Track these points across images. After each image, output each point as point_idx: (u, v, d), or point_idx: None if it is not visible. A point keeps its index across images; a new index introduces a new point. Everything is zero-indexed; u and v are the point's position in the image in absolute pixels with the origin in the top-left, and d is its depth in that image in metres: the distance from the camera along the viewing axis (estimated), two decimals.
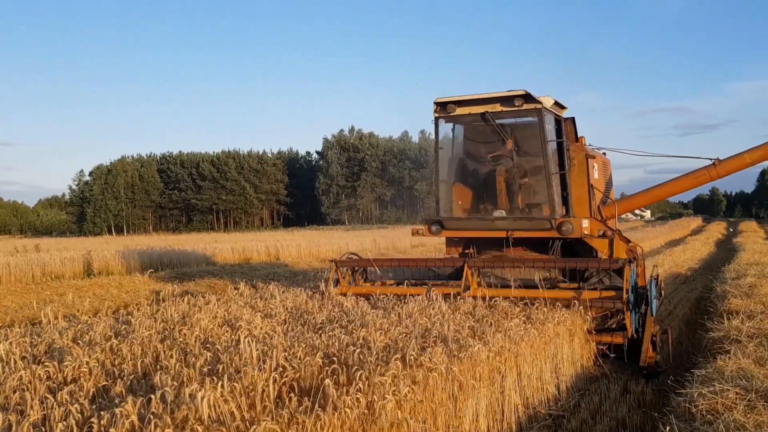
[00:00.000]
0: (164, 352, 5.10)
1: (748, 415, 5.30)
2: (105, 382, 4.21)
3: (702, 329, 11.38)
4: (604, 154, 11.79)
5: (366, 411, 3.73)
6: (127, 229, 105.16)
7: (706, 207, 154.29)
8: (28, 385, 4.07)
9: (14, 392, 3.86)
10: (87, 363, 4.48)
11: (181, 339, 5.53)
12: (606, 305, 8.24)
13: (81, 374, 4.35)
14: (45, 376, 4.26)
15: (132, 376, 4.23)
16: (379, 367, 4.21)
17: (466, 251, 10.70)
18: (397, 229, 60.47)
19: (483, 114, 9.58)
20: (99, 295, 15.89)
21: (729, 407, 5.49)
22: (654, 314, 8.81)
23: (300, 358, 4.53)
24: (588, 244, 9.76)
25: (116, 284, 18.53)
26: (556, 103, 9.83)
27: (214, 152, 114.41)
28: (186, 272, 21.47)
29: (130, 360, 4.77)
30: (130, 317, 6.66)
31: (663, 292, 10.11)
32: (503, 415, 5.34)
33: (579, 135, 10.73)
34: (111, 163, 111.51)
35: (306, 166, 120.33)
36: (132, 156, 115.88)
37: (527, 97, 9.28)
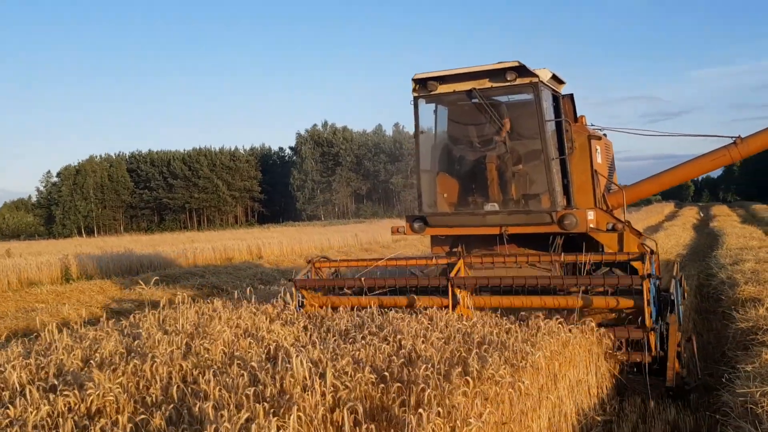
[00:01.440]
0: (191, 371, 4.60)
1: None
2: (138, 413, 3.69)
3: (713, 317, 11.19)
4: (605, 135, 10.56)
5: None
6: (98, 230, 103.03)
7: (674, 193, 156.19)
8: (51, 420, 3.54)
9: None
10: (110, 389, 3.96)
11: (205, 354, 5.02)
12: (620, 333, 6.71)
13: (106, 403, 3.84)
14: (66, 408, 3.74)
15: (166, 405, 3.72)
16: (447, 385, 3.75)
17: (454, 250, 9.31)
18: (375, 223, 59.98)
19: (469, 91, 8.31)
20: (84, 301, 15.19)
21: None
22: (681, 323, 7.31)
23: (350, 375, 4.06)
24: (593, 239, 8.53)
25: (98, 289, 17.81)
26: (554, 77, 8.70)
27: (185, 150, 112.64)
28: (170, 275, 20.74)
29: (158, 383, 4.25)
30: (138, 330, 6.11)
31: (686, 295, 8.65)
32: (560, 424, 4.94)
33: (578, 114, 9.57)
34: (79, 163, 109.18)
35: (279, 162, 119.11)
36: (100, 156, 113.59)
37: (521, 70, 8.01)
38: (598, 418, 5.64)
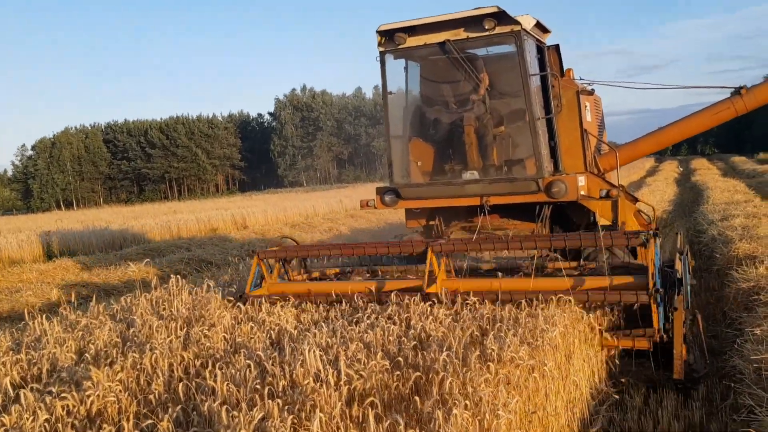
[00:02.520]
0: (194, 362, 4.38)
1: None
2: (142, 415, 3.48)
3: (709, 275, 11.16)
4: (593, 90, 9.73)
5: None
6: (77, 203, 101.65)
7: None
8: (50, 426, 3.32)
9: None
10: (110, 388, 3.73)
11: (206, 343, 4.80)
12: (626, 298, 5.55)
13: (107, 404, 3.61)
14: (65, 412, 3.51)
15: (173, 405, 3.50)
16: (467, 372, 3.57)
17: (431, 223, 8.59)
18: (358, 187, 59.67)
19: (443, 44, 7.41)
20: (69, 280, 14.85)
21: None
22: (689, 305, 6.11)
23: (363, 363, 3.86)
24: (585, 207, 7.80)
25: (82, 266, 17.41)
26: (538, 25, 7.74)
27: (161, 119, 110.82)
28: (155, 248, 20.40)
29: (160, 377, 4.03)
30: (131, 317, 5.86)
31: (692, 269, 7.43)
32: (576, 402, 4.81)
33: (565, 67, 8.73)
34: (54, 135, 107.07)
35: (259, 128, 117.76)
36: (75, 127, 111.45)
37: (501, 17, 7.11)
38: (613, 393, 5.52)
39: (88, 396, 3.59)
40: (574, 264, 6.81)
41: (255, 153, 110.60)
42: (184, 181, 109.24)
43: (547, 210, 7.77)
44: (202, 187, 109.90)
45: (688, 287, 6.49)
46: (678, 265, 5.94)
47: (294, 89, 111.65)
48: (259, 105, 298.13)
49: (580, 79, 8.93)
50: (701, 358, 6.28)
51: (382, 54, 7.75)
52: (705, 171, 48.53)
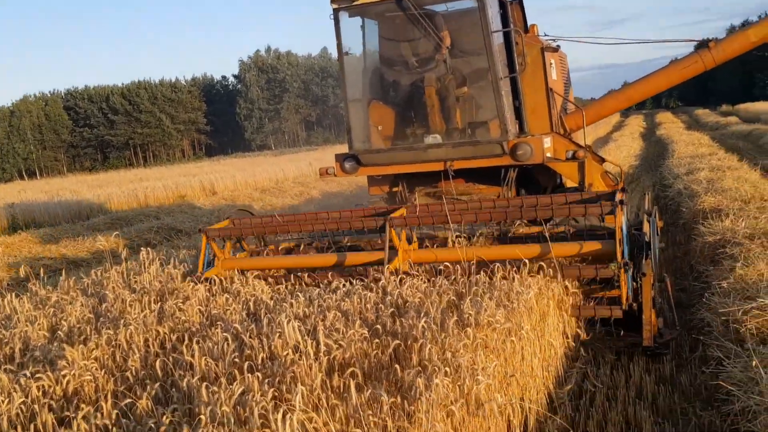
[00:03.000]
0: (170, 337, 4.34)
1: None
2: (120, 393, 3.44)
3: (675, 229, 11.38)
4: (558, 47, 9.46)
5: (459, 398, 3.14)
6: (40, 172, 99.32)
7: None
8: (26, 408, 3.27)
9: (15, 428, 3.08)
10: (86, 367, 3.69)
11: (181, 317, 4.75)
12: (587, 272, 5.55)
13: (84, 383, 3.57)
14: (41, 392, 3.46)
15: (151, 383, 3.47)
16: (446, 337, 3.59)
17: (395, 189, 8.34)
18: (327, 149, 59.18)
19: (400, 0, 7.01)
20: (37, 253, 14.57)
21: None
22: (655, 268, 5.97)
23: (342, 333, 3.87)
24: (551, 170, 7.63)
25: (49, 238, 17.10)
26: None
27: (123, 84, 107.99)
28: (122, 217, 20.11)
29: (136, 353, 3.99)
30: (103, 291, 5.78)
31: (660, 230, 7.16)
32: (549, 360, 4.90)
33: (529, 22, 8.48)
34: (13, 104, 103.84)
35: (224, 91, 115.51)
36: (34, 95, 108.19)
37: None
38: (583, 353, 5.62)
39: (64, 375, 3.55)
40: (538, 229, 6.50)
41: (221, 117, 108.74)
42: (149, 147, 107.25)
43: (512, 173, 7.62)
44: (168, 152, 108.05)
45: (657, 251, 6.34)
46: (646, 228, 5.80)
47: (258, 50, 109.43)
48: (224, 68, 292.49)
49: (545, 35, 8.69)
50: (671, 322, 6.22)
51: (335, 11, 7.34)
52: (670, 124, 49.18)
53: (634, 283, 5.48)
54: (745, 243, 7.69)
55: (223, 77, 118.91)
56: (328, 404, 3.06)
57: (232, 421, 2.79)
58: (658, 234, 6.59)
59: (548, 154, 7.24)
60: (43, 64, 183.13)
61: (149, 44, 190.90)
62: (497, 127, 7.19)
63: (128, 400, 3.25)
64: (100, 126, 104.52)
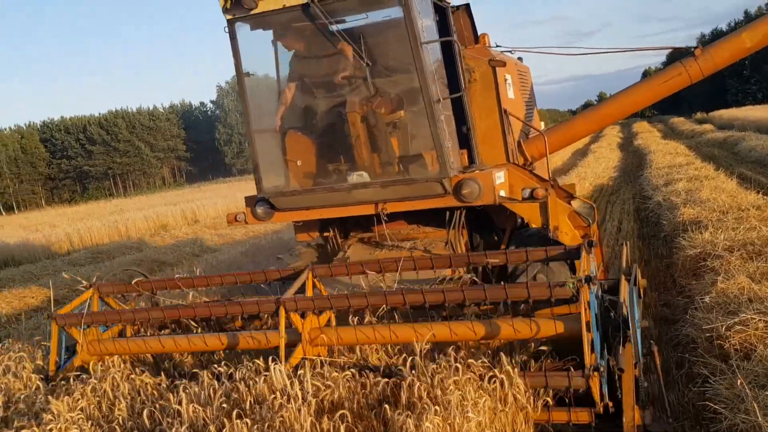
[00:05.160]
0: (155, 385, 4.28)
1: None
2: None
3: (657, 242, 11.48)
4: (521, 59, 8.26)
5: None
6: (17, 206, 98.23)
7: None
8: None
9: None
10: (72, 420, 3.64)
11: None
12: (556, 382, 4.11)
13: None
14: None
15: None
16: (438, 376, 3.57)
17: (325, 235, 7.17)
18: None
19: (307, 6, 5.69)
20: (18, 295, 14.34)
21: (761, 338, 5.28)
22: (641, 352, 4.55)
23: (327, 371, 3.85)
24: (508, 209, 6.23)
25: (30, 276, 16.91)
26: None
27: (100, 113, 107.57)
28: (103, 251, 19.93)
29: (122, 402, 3.93)
30: None
31: (644, 295, 5.95)
32: None
33: (479, 32, 7.24)
34: None
35: (202, 117, 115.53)
36: (9, 128, 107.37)
37: None
38: None
39: (50, 430, 3.49)
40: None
41: (200, 143, 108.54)
42: (129, 177, 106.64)
43: (459, 215, 6.47)
44: (148, 181, 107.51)
45: (639, 327, 4.70)
46: (624, 294, 4.27)
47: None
48: (201, 93, 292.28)
49: (497, 46, 7.33)
50: (662, 413, 4.82)
51: (230, 23, 5.97)
52: (646, 134, 49.92)
53: (611, 397, 4.12)
54: (725, 255, 7.79)
55: (201, 103, 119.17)
56: None
57: None
58: (640, 305, 5.09)
59: (502, 192, 5.96)
60: (17, 96, 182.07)
61: (126, 73, 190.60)
62: (434, 161, 5.83)
63: None
64: (78, 157, 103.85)
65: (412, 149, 6.11)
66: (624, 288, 4.32)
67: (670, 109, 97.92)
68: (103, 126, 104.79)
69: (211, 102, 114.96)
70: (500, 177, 6.00)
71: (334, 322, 4.89)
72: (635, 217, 14.53)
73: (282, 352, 4.39)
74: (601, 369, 3.90)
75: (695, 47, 6.96)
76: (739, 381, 4.55)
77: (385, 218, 6.09)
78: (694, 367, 5.54)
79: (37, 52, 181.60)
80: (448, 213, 6.41)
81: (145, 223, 26.71)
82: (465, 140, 6.23)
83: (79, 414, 3.74)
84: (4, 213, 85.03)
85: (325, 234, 7.15)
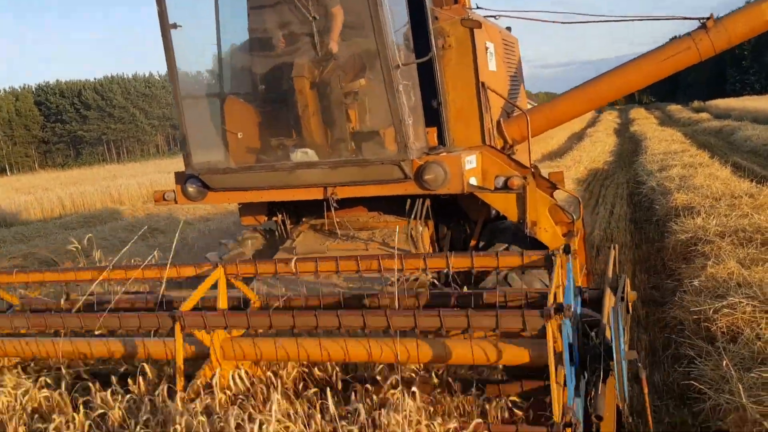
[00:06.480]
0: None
1: None
2: None
3: (648, 226, 11.53)
4: (509, 29, 7.30)
5: None
6: (10, 168, 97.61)
7: None
8: None
9: None
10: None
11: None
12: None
13: None
14: None
15: None
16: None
17: (274, 219, 6.24)
18: None
19: None
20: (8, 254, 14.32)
21: (748, 322, 5.34)
22: (626, 389, 3.40)
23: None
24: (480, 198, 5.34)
25: (21, 238, 16.87)
26: None
27: (95, 79, 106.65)
28: (96, 216, 19.87)
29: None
30: None
31: (631, 309, 4.20)
32: None
33: None
34: None
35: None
36: (4, 89, 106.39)
37: None
38: None
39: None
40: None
41: None
42: (123, 143, 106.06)
43: (421, 204, 5.58)
44: (142, 148, 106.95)
45: (624, 358, 3.26)
46: (607, 312, 3.24)
47: (233, 44, 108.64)
48: None
49: (477, 8, 6.44)
50: None
51: None
52: (643, 120, 49.88)
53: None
54: (716, 241, 7.85)
55: (198, 72, 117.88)
56: None
57: None
58: (627, 322, 3.91)
59: (472, 180, 5.05)
60: (13, 58, 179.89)
61: (123, 39, 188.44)
62: (393, 140, 4.91)
63: None
64: (72, 122, 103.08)
65: (371, 125, 5.17)
66: (609, 304, 3.36)
67: (668, 97, 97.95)
68: (98, 91, 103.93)
69: (207, 71, 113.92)
70: (471, 161, 5.06)
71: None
72: (628, 201, 14.59)
73: (179, 380, 3.45)
74: (575, 424, 2.87)
75: (707, 18, 5.99)
76: (724, 362, 4.61)
77: (335, 204, 5.20)
78: (681, 348, 5.61)
79: (34, 16, 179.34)
80: (409, 201, 5.55)
81: (139, 190, 26.59)
82: (435, 116, 5.36)
83: None
84: None
85: (274, 218, 6.24)
